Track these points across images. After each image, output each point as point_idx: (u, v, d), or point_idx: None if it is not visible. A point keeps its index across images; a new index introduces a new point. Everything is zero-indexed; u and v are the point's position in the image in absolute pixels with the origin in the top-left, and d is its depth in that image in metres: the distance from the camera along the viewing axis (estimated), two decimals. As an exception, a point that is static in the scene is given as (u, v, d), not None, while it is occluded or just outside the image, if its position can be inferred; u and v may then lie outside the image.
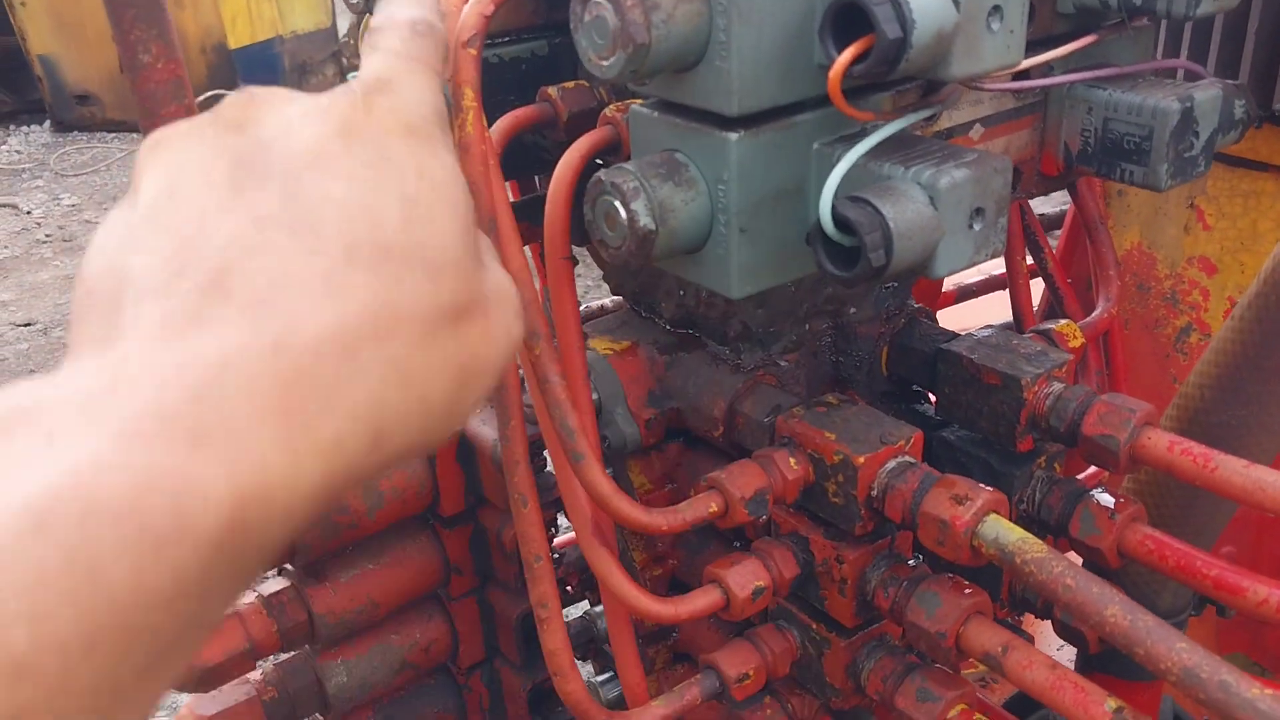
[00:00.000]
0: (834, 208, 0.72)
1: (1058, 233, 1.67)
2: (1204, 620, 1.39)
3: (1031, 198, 1.01)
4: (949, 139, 0.86)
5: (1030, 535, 0.80)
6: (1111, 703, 0.78)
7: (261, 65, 8.08)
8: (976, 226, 0.73)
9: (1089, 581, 0.76)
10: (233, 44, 7.82)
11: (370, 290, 0.40)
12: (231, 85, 7.78)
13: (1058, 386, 0.92)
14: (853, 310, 1.05)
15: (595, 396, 1.00)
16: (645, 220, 0.76)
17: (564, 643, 0.95)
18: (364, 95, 0.46)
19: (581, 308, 1.42)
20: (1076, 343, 1.04)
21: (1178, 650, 0.72)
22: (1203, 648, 0.72)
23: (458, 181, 0.46)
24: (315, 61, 8.58)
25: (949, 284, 1.74)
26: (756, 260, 0.80)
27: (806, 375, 1.06)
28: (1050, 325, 1.05)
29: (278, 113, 0.45)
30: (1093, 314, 1.19)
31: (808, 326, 1.04)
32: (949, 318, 1.63)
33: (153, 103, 0.87)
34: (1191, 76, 0.94)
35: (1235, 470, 0.83)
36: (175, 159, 0.44)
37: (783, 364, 1.03)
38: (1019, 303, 1.23)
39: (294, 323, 0.38)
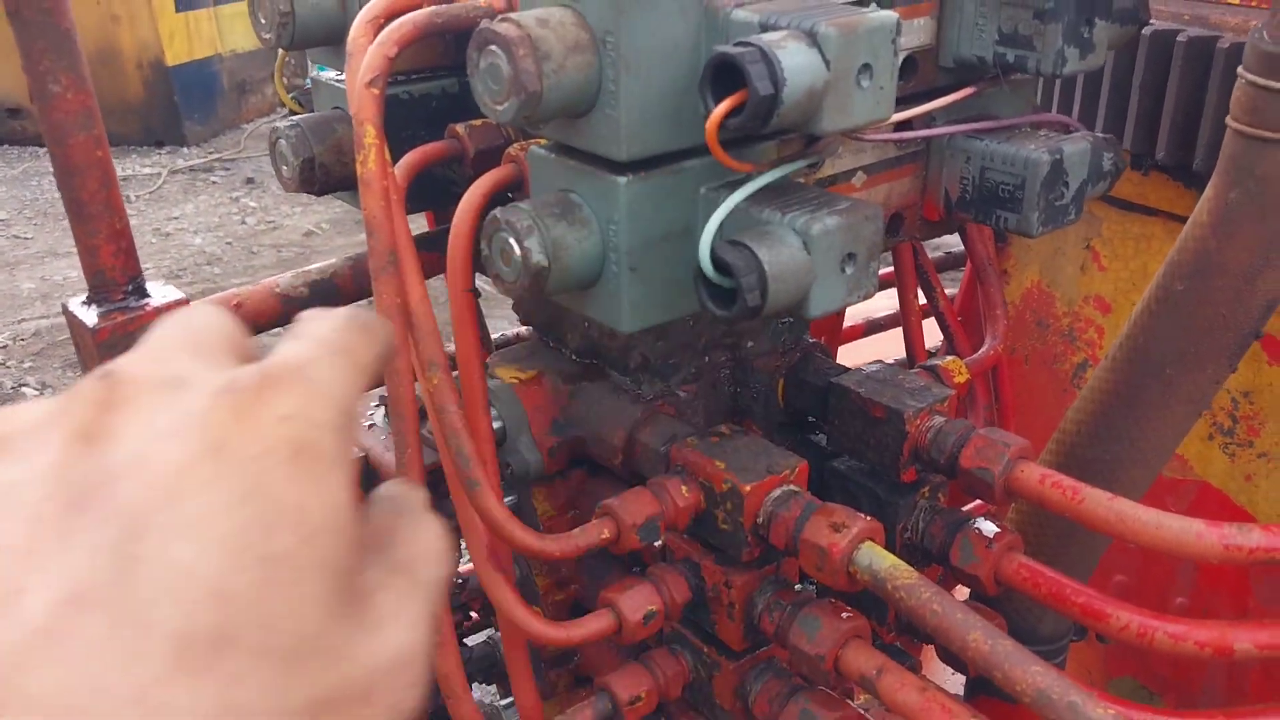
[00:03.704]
0: (713, 251, 0.76)
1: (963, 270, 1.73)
2: (1091, 644, 1.45)
3: (916, 241, 1.06)
4: (832, 186, 0.91)
5: (902, 563, 0.84)
6: (977, 725, 0.82)
7: (199, 83, 8.03)
8: (848, 270, 0.78)
9: (954, 608, 0.81)
10: (170, 61, 7.75)
11: (200, 704, 0.33)
12: (169, 102, 7.75)
13: (939, 420, 0.96)
14: (750, 344, 1.09)
15: (499, 424, 1.03)
16: (538, 257, 0.79)
17: (457, 666, 0.97)
18: (256, 392, 0.37)
19: (497, 335, 1.45)
20: (961, 378, 1.09)
21: (1032, 673, 0.76)
22: (1056, 672, 0.77)
23: (337, 527, 0.37)
24: (254, 81, 8.54)
25: (859, 316, 1.80)
26: (646, 297, 0.83)
27: (705, 406, 1.10)
28: (937, 361, 1.09)
29: (142, 421, 0.37)
30: (979, 350, 1.24)
31: (707, 359, 1.08)
32: (857, 351, 1.69)
33: (60, 132, 0.89)
34: (1066, 129, 0.99)
35: (1099, 503, 0.88)
36: (6, 477, 0.36)
37: (682, 394, 1.07)
38: (911, 339, 1.28)
39: None
